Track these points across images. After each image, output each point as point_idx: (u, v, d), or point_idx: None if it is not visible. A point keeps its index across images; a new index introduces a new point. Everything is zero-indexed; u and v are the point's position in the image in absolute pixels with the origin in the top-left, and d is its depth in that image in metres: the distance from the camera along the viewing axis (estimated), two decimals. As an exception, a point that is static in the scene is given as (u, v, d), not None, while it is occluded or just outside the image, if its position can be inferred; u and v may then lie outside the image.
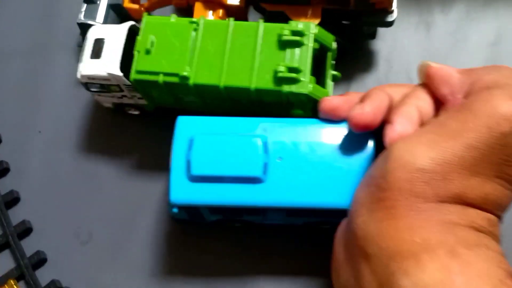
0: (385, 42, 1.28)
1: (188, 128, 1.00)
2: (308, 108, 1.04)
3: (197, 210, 1.01)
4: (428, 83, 0.90)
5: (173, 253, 1.15)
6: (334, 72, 1.11)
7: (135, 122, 1.26)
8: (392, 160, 0.74)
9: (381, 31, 1.27)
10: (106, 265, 1.15)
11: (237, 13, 1.17)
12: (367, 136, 0.96)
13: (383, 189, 0.74)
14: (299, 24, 1.02)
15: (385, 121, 0.89)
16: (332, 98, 0.98)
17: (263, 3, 1.15)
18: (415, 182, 0.72)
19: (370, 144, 0.96)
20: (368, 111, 0.89)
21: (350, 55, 1.24)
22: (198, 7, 1.18)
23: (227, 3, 1.17)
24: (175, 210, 1.00)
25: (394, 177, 0.73)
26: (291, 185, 0.95)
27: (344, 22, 1.17)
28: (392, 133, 0.84)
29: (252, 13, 1.20)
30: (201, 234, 1.15)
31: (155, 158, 1.22)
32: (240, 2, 1.17)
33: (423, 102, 0.89)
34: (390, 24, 1.16)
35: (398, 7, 1.14)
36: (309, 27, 1.02)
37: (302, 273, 1.11)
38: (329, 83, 1.09)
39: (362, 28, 1.22)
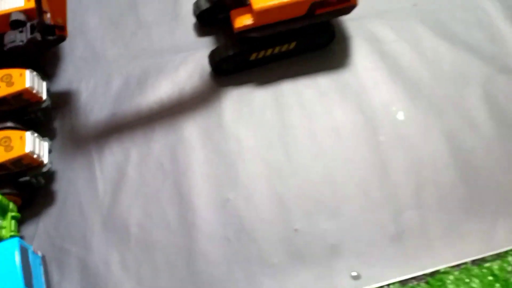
0: (61, 184, 1.75)
1: None
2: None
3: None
4: None
5: None
6: (14, 213, 1.60)
7: None
8: None
9: (58, 175, 1.74)
10: None
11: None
12: (13, 259, 1.43)
13: None
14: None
15: None
16: None
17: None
18: None
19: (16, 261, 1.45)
20: None
21: (34, 200, 1.70)
22: None
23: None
24: None
25: None
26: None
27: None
28: None
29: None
30: None
31: None
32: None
33: None
34: (48, 174, 1.69)
35: (60, 154, 1.71)
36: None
37: None
38: (11, 222, 1.58)
39: (33, 183, 1.69)
